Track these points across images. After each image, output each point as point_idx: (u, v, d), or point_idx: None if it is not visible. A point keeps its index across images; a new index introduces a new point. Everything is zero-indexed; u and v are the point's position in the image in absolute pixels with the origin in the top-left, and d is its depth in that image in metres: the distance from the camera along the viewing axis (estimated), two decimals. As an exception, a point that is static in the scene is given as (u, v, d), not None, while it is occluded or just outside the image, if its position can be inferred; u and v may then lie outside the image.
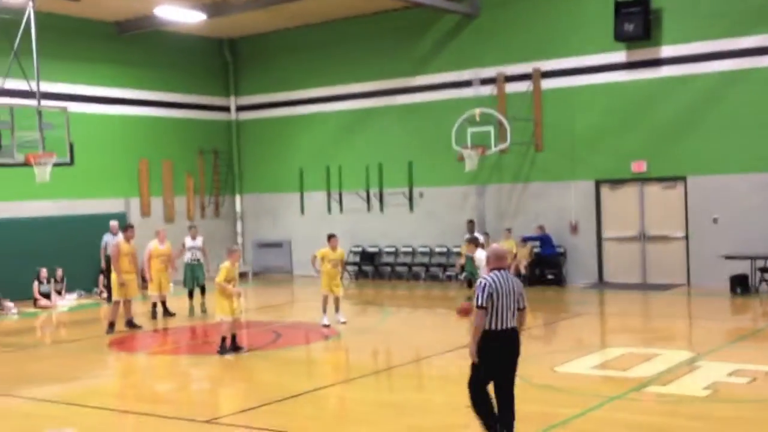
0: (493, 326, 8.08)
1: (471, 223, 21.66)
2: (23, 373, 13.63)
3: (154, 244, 18.52)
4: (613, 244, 22.10)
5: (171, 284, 19.00)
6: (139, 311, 18.47)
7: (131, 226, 17.96)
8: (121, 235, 17.98)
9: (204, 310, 18.76)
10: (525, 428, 9.01)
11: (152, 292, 18.47)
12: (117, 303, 17.09)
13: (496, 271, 8.23)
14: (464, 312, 8.91)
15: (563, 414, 9.62)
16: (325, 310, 16.57)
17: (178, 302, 19.28)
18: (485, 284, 8.09)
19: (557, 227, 22.36)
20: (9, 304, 20.23)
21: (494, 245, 8.87)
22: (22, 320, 19.43)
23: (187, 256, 19.14)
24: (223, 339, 14.16)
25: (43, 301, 21.07)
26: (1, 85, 17.98)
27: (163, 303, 18.66)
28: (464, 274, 19.85)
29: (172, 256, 18.64)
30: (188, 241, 19.15)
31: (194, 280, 19.08)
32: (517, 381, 8.28)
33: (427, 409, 9.93)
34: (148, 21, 23.98)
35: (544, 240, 22.14)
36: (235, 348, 14.19)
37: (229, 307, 14.06)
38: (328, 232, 17.34)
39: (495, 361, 8.18)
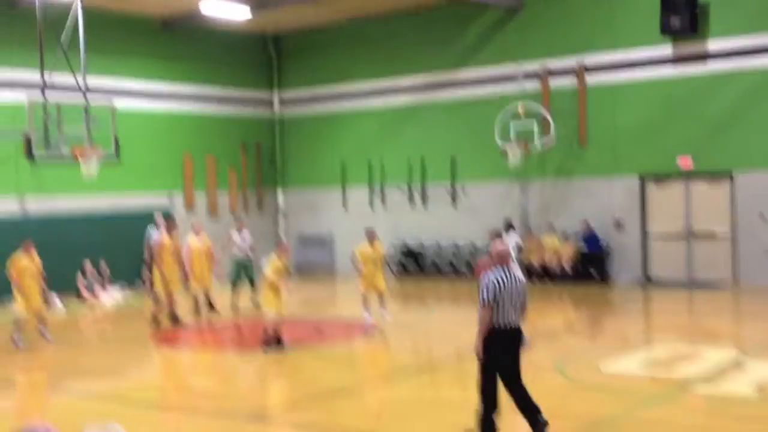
0: (496, 324, 8.26)
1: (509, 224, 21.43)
2: (68, 367, 13.78)
3: (191, 239, 18.57)
4: (658, 240, 21.83)
5: (212, 278, 18.96)
6: (183, 306, 18.59)
7: (173, 221, 17.97)
8: (163, 230, 18.04)
9: (256, 305, 18.72)
10: (569, 427, 8.94)
11: (194, 286, 18.59)
12: (159, 297, 17.21)
13: (499, 270, 8.40)
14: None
15: (608, 413, 9.52)
16: (367, 307, 16.53)
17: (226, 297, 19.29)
18: (491, 283, 8.25)
19: (601, 223, 22.13)
20: (54, 298, 20.45)
21: (499, 245, 8.91)
22: (67, 314, 19.64)
23: (235, 251, 19.12)
24: (267, 333, 14.18)
25: (87, 295, 21.31)
26: (49, 80, 18.19)
27: (207, 297, 18.69)
28: None
29: (211, 250, 18.66)
30: (235, 236, 19.13)
31: (240, 274, 19.07)
32: (562, 380, 8.23)
33: (470, 406, 9.82)
34: (194, 17, 24.12)
35: (590, 236, 21.92)
36: (278, 343, 14.22)
37: (276, 301, 14.07)
38: (367, 229, 17.23)
39: (499, 358, 8.33)
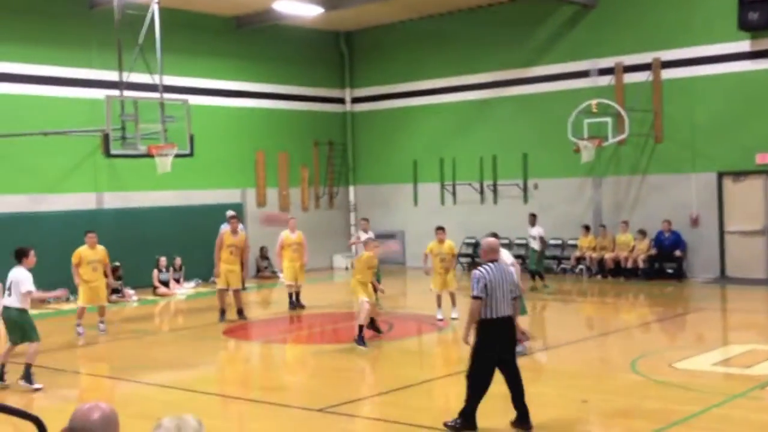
0: (488, 315, 8.66)
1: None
2: (142, 358, 14.01)
3: (285, 234, 18.50)
4: (735, 237, 21.33)
5: (304, 275, 18.62)
6: (272, 299, 18.69)
7: (235, 217, 17.67)
8: (226, 226, 17.91)
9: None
10: (645, 425, 8.82)
11: (287, 281, 18.43)
12: (223, 291, 17.22)
13: (489, 263, 8.82)
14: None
15: (683, 411, 9.34)
16: (439, 305, 16.29)
17: (323, 292, 19.29)
18: (479, 276, 8.64)
19: (677, 220, 21.72)
20: (130, 291, 20.86)
21: (489, 238, 9.20)
22: (142, 307, 19.99)
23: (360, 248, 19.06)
24: (361, 328, 13.80)
25: (161, 289, 21.65)
26: (126, 78, 18.56)
27: (297, 294, 18.45)
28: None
29: (304, 245, 18.53)
30: (362, 235, 18.95)
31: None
32: (637, 377, 8.09)
33: (540, 402, 9.76)
34: (267, 15, 24.37)
35: (671, 236, 21.49)
36: (376, 330, 14.41)
37: (365, 291, 14.07)
38: (437, 225, 17.07)
39: (492, 348, 8.72)
